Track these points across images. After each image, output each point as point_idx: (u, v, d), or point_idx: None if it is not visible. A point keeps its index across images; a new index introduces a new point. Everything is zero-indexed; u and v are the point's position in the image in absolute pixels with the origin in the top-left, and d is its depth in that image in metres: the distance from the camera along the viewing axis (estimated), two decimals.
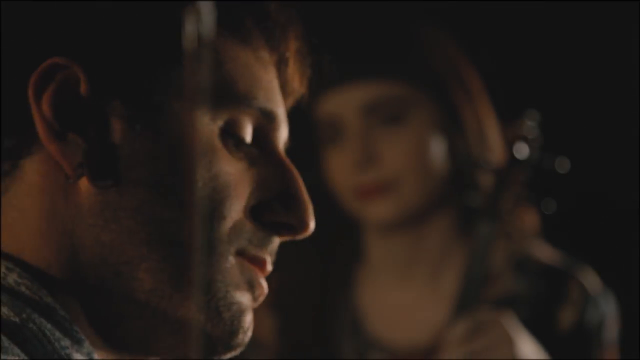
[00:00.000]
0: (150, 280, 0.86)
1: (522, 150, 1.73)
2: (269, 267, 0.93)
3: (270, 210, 0.91)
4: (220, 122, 0.88)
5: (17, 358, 0.77)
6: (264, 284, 0.93)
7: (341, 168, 1.89)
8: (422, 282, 1.93)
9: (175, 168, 0.85)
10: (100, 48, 0.86)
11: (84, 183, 0.86)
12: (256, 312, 0.94)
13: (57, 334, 0.82)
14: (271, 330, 1.98)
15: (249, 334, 0.92)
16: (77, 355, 0.83)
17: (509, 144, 1.74)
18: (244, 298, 0.90)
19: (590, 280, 1.86)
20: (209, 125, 0.87)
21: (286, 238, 0.94)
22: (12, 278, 0.83)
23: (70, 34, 0.86)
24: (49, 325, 0.82)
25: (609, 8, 2.40)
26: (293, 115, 0.99)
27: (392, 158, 1.86)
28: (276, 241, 0.93)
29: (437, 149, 1.88)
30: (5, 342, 0.78)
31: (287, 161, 0.94)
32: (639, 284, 2.39)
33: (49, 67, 0.85)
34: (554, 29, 2.47)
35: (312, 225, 0.93)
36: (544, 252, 1.90)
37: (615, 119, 2.51)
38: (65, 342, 0.83)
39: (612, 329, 1.85)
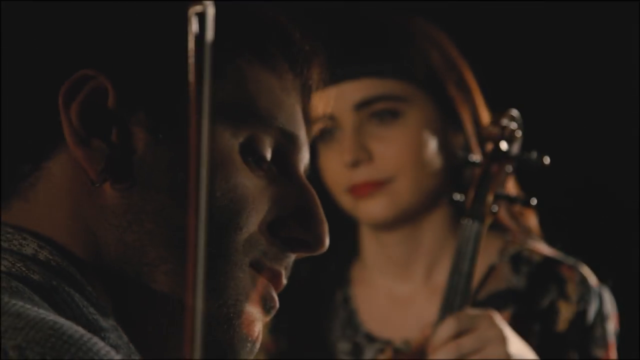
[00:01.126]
0: (168, 284, 0.89)
1: (504, 146, 1.73)
2: (284, 281, 0.96)
3: (287, 226, 0.94)
4: (240, 139, 0.92)
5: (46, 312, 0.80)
6: (276, 298, 0.95)
7: (335, 166, 1.88)
8: (417, 279, 1.93)
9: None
10: (126, 61, 0.90)
11: (108, 186, 0.90)
12: None
13: (86, 302, 0.86)
14: (266, 329, 1.98)
15: (257, 344, 0.94)
16: (104, 324, 0.85)
17: (494, 140, 1.73)
18: (254, 309, 0.93)
19: (589, 275, 1.86)
20: (229, 140, 0.91)
21: (301, 254, 0.96)
22: (43, 254, 0.87)
23: (100, 46, 0.90)
24: (77, 295, 0.85)
25: (609, 8, 2.40)
26: None
27: (386, 156, 1.85)
28: (291, 257, 0.96)
29: (432, 147, 1.87)
30: (36, 297, 0.82)
31: (306, 182, 0.97)
32: (639, 283, 2.40)
33: (78, 78, 0.89)
34: (554, 29, 2.47)
35: (327, 242, 0.96)
36: (542, 248, 1.90)
37: (615, 118, 2.51)
38: (93, 311, 0.85)
39: (610, 325, 1.85)
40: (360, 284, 1.98)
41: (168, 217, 0.89)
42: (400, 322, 1.91)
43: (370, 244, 1.96)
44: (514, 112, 1.72)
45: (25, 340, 0.73)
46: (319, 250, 0.96)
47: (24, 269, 0.85)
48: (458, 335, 1.61)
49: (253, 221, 0.91)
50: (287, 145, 0.95)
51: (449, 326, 1.62)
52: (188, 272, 0.77)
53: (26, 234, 0.88)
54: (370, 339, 1.93)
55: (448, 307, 1.67)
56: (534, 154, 1.71)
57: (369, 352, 1.92)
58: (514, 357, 1.61)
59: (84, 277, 0.88)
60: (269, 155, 0.93)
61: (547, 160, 1.70)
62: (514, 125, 1.71)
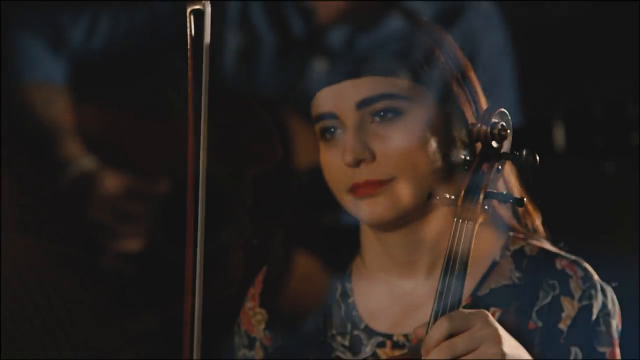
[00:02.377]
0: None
1: (494, 145, 1.73)
2: None
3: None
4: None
5: None
6: None
7: (336, 165, 1.87)
8: (419, 275, 1.93)
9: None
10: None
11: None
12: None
13: None
14: (263, 325, 1.99)
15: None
16: None
17: (483, 139, 1.73)
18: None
19: (592, 272, 1.86)
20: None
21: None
22: None
23: None
24: None
25: (609, 8, 2.41)
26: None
27: (388, 155, 1.84)
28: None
29: (435, 146, 1.86)
30: None
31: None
32: (639, 283, 2.40)
33: None
34: (554, 29, 2.48)
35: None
36: (545, 245, 1.91)
37: (616, 118, 2.51)
38: None
39: (613, 322, 1.85)
40: (361, 279, 1.98)
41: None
42: (401, 317, 1.91)
43: (371, 243, 1.96)
44: (504, 110, 1.72)
45: None
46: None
47: None
48: (451, 335, 1.61)
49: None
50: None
51: (442, 326, 1.61)
52: (186, 273, 0.78)
53: None
54: (370, 332, 1.93)
55: (441, 308, 1.67)
56: (524, 153, 1.71)
57: (368, 346, 1.92)
58: (508, 357, 1.61)
59: None
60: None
61: (537, 158, 1.70)
62: (503, 123, 1.72)
